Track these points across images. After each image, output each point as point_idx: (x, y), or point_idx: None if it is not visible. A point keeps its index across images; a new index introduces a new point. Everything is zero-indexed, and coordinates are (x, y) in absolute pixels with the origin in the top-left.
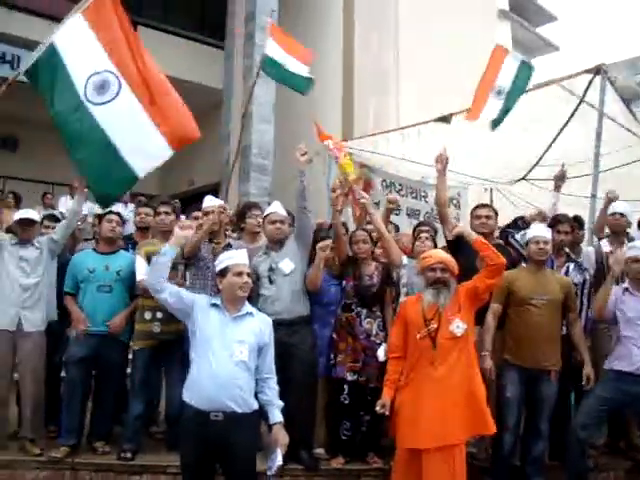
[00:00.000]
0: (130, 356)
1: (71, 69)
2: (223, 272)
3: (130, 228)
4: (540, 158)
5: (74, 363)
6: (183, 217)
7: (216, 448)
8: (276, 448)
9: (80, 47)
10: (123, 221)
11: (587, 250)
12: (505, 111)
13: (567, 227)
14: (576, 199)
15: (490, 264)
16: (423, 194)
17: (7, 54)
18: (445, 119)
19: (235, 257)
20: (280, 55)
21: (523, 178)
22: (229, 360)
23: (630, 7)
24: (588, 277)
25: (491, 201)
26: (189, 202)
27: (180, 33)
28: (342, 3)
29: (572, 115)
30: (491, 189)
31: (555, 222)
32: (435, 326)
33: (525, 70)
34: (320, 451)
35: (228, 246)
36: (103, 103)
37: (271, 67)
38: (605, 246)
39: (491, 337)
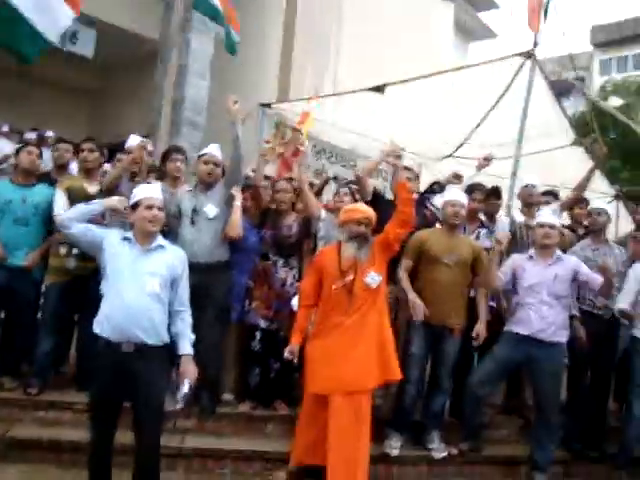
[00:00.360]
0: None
1: None
2: (134, 206)
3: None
4: (468, 137)
5: None
6: (107, 165)
7: (126, 379)
8: (184, 379)
9: None
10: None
11: (502, 219)
12: None
13: (480, 195)
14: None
15: (400, 214)
16: (352, 163)
17: None
18: (379, 89)
19: (147, 191)
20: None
21: (450, 155)
22: (140, 292)
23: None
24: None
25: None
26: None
27: None
28: None
29: (501, 96)
30: (420, 164)
31: (470, 190)
32: (351, 277)
33: None
34: (228, 396)
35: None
36: None
37: (204, 5)
38: (519, 217)
39: (408, 283)
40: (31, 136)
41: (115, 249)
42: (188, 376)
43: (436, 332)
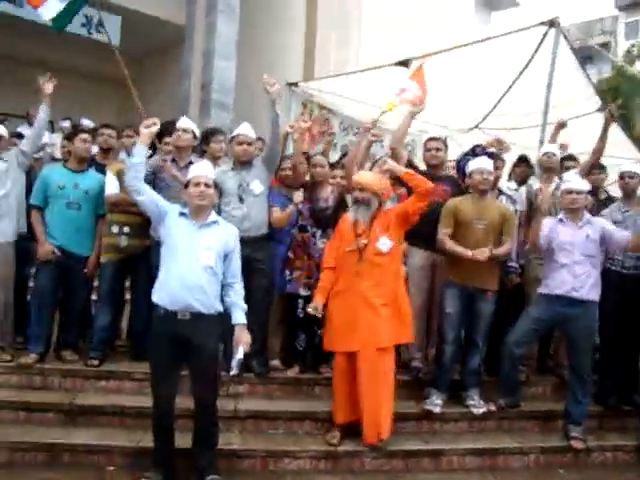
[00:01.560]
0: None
1: None
2: (186, 185)
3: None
4: (493, 108)
5: (43, 274)
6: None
7: (183, 346)
8: (238, 347)
9: None
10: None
11: (520, 188)
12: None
13: (499, 163)
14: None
15: (417, 190)
16: (381, 139)
17: None
18: (404, 63)
19: (195, 169)
20: None
21: (476, 126)
22: (196, 264)
23: None
24: (519, 208)
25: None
26: None
27: None
28: None
29: (526, 66)
30: (446, 137)
31: (491, 157)
32: (364, 241)
33: None
34: (275, 362)
35: (190, 163)
36: None
37: None
38: (536, 183)
39: (452, 242)
40: (65, 124)
41: (174, 224)
42: (242, 344)
43: (470, 293)
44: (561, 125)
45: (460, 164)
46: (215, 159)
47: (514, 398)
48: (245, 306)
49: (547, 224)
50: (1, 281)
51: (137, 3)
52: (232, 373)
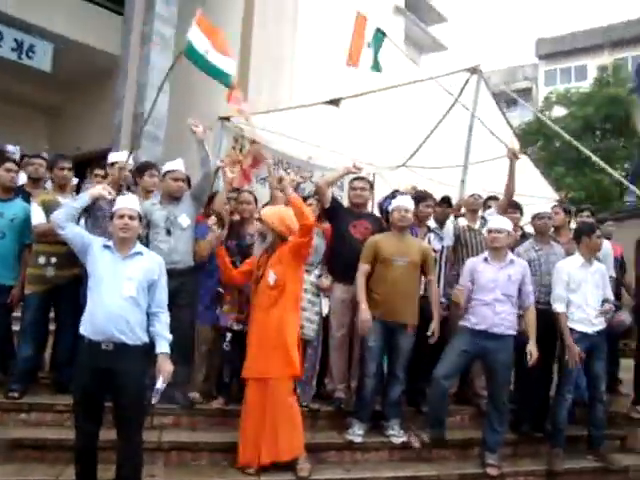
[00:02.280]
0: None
1: None
2: (112, 216)
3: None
4: (418, 147)
5: None
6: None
7: (106, 377)
8: (159, 376)
9: None
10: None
11: (448, 224)
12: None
13: (430, 202)
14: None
15: (300, 223)
16: (309, 174)
17: None
18: (335, 102)
19: (120, 202)
20: (203, 46)
21: (403, 164)
22: (119, 296)
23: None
24: (445, 244)
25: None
26: (77, 167)
27: None
28: None
29: (448, 111)
30: (374, 174)
31: (420, 198)
32: (260, 274)
33: (379, 34)
34: (195, 395)
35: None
36: None
37: (192, 54)
38: (463, 222)
39: (364, 292)
40: None
41: (98, 256)
42: (163, 373)
43: (390, 328)
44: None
45: (382, 205)
46: (147, 192)
47: (439, 431)
48: (170, 336)
49: (470, 263)
50: None
51: (70, 31)
52: (153, 402)
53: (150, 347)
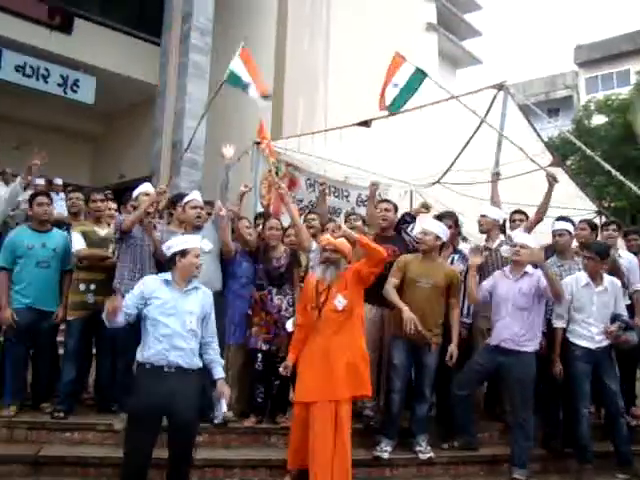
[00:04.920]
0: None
1: None
2: (183, 253)
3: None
4: (451, 165)
5: (15, 335)
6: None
7: (165, 398)
8: (221, 399)
9: None
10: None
11: (472, 244)
12: (398, 102)
13: (450, 222)
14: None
15: (370, 257)
16: (345, 193)
17: None
18: (365, 123)
19: (191, 241)
20: (244, 75)
21: (437, 181)
22: (181, 328)
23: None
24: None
25: (411, 202)
26: (119, 194)
27: (117, 27)
28: (276, 9)
29: (477, 128)
30: (411, 191)
31: (440, 218)
32: (323, 299)
33: (419, 74)
34: (229, 414)
35: (154, 227)
36: None
37: (234, 81)
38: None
39: (397, 297)
40: (40, 182)
41: (157, 292)
42: (224, 396)
43: (416, 347)
44: (496, 175)
45: (400, 229)
46: (181, 222)
47: (467, 440)
48: (222, 361)
49: (491, 278)
50: None
51: (111, 64)
52: (216, 422)
53: (203, 371)
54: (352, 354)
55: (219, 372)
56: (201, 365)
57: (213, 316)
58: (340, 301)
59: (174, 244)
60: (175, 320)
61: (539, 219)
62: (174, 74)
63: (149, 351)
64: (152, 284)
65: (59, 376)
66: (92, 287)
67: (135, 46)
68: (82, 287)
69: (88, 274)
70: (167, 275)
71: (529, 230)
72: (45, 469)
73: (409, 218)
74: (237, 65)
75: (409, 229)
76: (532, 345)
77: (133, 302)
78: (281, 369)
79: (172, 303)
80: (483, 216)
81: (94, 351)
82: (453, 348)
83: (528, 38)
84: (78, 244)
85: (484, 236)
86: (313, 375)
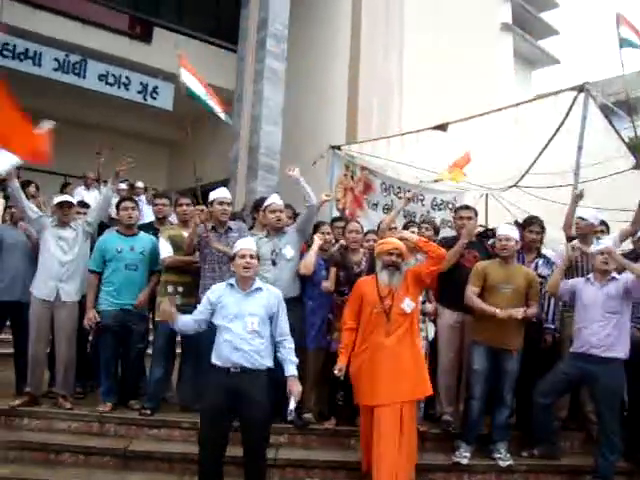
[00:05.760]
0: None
1: None
2: (233, 257)
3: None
4: (530, 167)
5: (106, 337)
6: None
7: (235, 398)
8: (290, 396)
9: None
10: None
11: (561, 247)
12: None
13: (537, 227)
14: (562, 205)
15: (430, 255)
16: (420, 197)
17: (30, 50)
18: (442, 127)
19: (239, 244)
20: (198, 90)
21: (515, 185)
22: (243, 329)
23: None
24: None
25: (486, 206)
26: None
27: (195, 35)
28: (350, 14)
29: (557, 130)
30: (486, 195)
31: (527, 223)
32: (389, 303)
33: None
34: (309, 416)
35: (229, 229)
36: None
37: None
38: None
39: (479, 300)
40: (122, 186)
41: (223, 296)
42: (295, 394)
43: (495, 352)
44: (578, 196)
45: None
46: (264, 226)
47: (548, 448)
48: (296, 359)
49: (574, 281)
50: (67, 337)
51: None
52: (289, 419)
53: (274, 371)
54: (415, 355)
55: (290, 370)
56: (269, 365)
57: (284, 316)
58: (408, 304)
59: (234, 248)
60: (237, 323)
61: (633, 231)
62: (250, 80)
63: (217, 354)
64: (218, 290)
65: (142, 375)
66: (180, 289)
67: (212, 53)
68: (170, 289)
69: (176, 277)
70: (232, 279)
71: (622, 240)
72: (133, 463)
73: (490, 233)
74: (187, 78)
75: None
76: (622, 351)
77: (201, 309)
78: (336, 371)
79: (234, 306)
80: (581, 219)
81: (178, 351)
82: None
83: (607, 35)
84: (165, 251)
85: (562, 239)
86: (378, 378)
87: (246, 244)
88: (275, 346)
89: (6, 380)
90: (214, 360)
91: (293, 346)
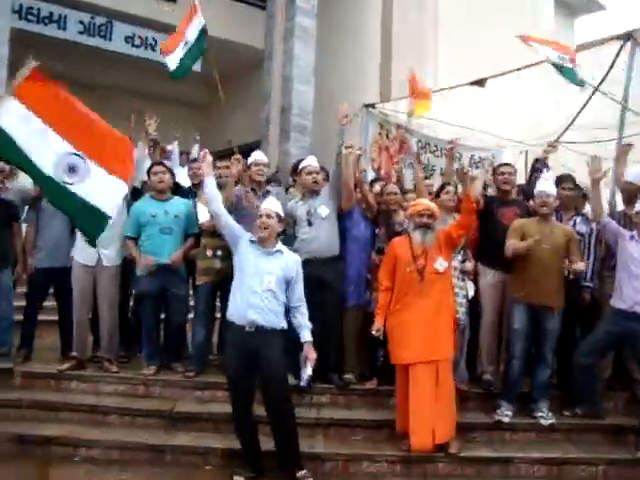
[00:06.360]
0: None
1: (28, 151)
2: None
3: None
4: (571, 122)
5: (148, 304)
6: None
7: (250, 355)
8: (306, 362)
9: (25, 129)
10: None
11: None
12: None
13: (570, 184)
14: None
15: (463, 220)
16: (457, 155)
17: (54, 14)
18: (480, 82)
19: (264, 203)
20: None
21: (556, 141)
22: (259, 286)
23: None
24: (594, 227)
25: (526, 163)
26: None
27: None
28: None
29: (602, 81)
30: (526, 151)
31: (559, 181)
32: (423, 263)
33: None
34: (350, 376)
35: (267, 192)
36: (76, 182)
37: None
38: (620, 205)
39: (519, 242)
40: (169, 148)
41: (244, 249)
42: (310, 360)
43: (537, 310)
44: (624, 152)
45: (525, 188)
46: (303, 188)
47: (590, 408)
48: (310, 325)
49: (621, 229)
50: (109, 302)
51: (218, 30)
52: (302, 384)
53: (288, 332)
54: (449, 314)
55: (306, 335)
56: (284, 325)
57: (300, 281)
58: (441, 264)
59: None
60: (255, 279)
61: None
62: (280, 38)
63: (232, 310)
64: (245, 239)
65: (184, 340)
66: (219, 253)
67: (240, 11)
68: (209, 253)
69: (215, 241)
70: (254, 236)
71: None
72: (179, 424)
73: (540, 165)
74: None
75: (542, 174)
76: None
77: (236, 226)
78: (374, 331)
79: (253, 261)
80: (628, 182)
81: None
82: (580, 265)
83: None
84: (203, 216)
85: (606, 195)
86: (414, 337)
87: (267, 204)
88: (290, 310)
89: (53, 345)
90: (228, 315)
91: (307, 312)
